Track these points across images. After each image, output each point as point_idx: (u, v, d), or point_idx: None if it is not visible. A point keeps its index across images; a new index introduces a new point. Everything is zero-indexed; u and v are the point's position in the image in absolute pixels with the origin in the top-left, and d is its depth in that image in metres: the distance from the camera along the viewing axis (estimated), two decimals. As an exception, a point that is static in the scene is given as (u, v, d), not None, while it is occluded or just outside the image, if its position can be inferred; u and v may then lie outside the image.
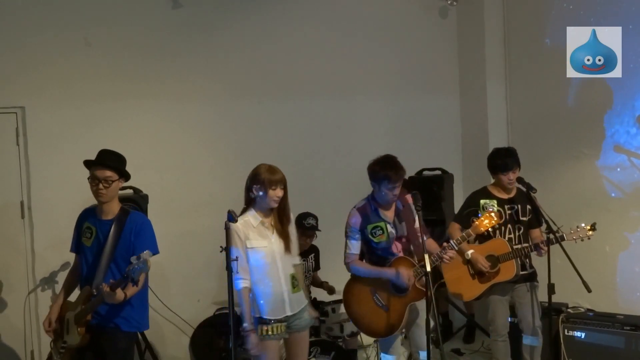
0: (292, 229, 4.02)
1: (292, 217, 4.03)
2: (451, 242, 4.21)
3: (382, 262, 4.26)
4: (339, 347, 5.00)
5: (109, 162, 3.82)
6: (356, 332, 5.32)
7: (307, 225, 5.39)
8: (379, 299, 4.29)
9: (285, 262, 3.90)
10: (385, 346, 4.41)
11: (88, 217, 3.96)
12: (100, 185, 3.79)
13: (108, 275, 3.79)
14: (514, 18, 6.62)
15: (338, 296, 5.89)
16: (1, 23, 5.20)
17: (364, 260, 4.37)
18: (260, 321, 3.82)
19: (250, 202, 3.90)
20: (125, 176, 3.92)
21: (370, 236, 4.25)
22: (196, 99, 5.88)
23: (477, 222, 4.26)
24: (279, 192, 3.81)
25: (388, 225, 4.25)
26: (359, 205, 4.34)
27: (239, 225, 3.77)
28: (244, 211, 3.91)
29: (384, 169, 4.13)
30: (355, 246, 4.28)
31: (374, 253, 4.30)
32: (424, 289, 4.07)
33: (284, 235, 3.89)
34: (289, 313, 3.87)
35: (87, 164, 3.85)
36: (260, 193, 3.80)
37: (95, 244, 3.86)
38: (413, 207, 4.19)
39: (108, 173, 3.79)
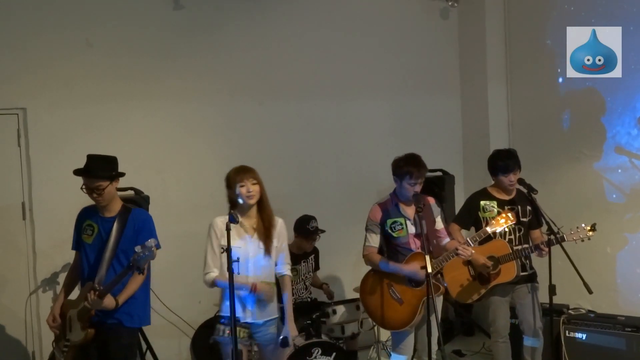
0: (279, 230, 3.87)
1: (280, 221, 3.91)
2: (467, 239, 4.35)
3: (400, 257, 4.37)
4: (340, 348, 4.99)
5: (97, 171, 3.80)
6: (357, 334, 5.32)
7: (312, 229, 5.37)
8: (394, 292, 4.39)
9: (259, 268, 3.79)
10: (397, 342, 4.46)
11: (89, 215, 3.97)
12: (94, 194, 3.82)
13: (110, 271, 3.80)
14: (515, 19, 6.63)
15: (338, 297, 5.90)
16: (2, 24, 5.19)
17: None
18: (223, 322, 3.76)
19: (233, 206, 3.83)
20: (118, 177, 3.92)
21: (389, 230, 4.37)
22: (197, 100, 5.87)
23: (493, 221, 4.39)
24: (249, 187, 3.75)
25: (408, 222, 4.38)
26: (381, 201, 4.49)
27: (218, 222, 3.78)
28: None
29: (407, 164, 4.31)
30: (374, 239, 4.42)
31: (392, 248, 4.41)
32: (439, 284, 4.31)
33: (264, 237, 3.80)
34: (248, 320, 3.77)
35: (77, 174, 3.85)
36: (234, 195, 3.78)
37: (97, 240, 3.87)
38: (433, 208, 4.47)
39: (97, 182, 3.79)
